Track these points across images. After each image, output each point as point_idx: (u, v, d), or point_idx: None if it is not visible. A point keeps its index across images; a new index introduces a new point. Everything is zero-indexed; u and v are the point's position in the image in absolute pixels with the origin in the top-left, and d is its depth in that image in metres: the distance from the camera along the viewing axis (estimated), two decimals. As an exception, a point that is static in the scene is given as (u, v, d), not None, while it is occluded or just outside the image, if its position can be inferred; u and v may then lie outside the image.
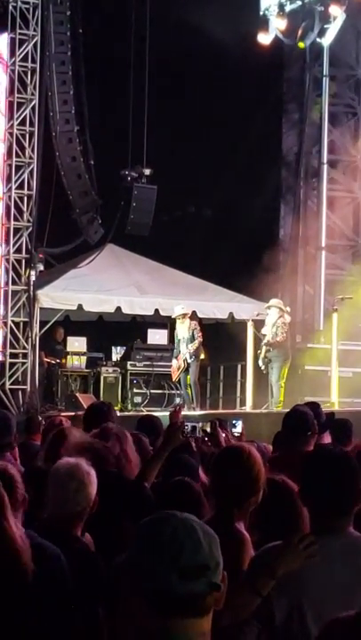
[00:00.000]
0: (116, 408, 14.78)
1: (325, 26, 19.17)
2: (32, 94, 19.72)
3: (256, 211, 21.23)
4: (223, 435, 7.37)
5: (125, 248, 21.51)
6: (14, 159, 19.63)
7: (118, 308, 20.27)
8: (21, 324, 19.53)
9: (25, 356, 19.46)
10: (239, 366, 19.69)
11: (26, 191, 19.65)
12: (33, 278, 19.52)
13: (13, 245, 19.59)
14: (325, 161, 21.63)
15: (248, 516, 4.48)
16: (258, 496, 4.44)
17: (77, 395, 19.16)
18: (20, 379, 19.40)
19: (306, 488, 3.83)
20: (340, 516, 3.70)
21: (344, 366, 16.80)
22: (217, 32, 18.68)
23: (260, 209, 21.51)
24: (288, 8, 19.36)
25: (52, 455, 5.73)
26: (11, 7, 19.61)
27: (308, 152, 21.94)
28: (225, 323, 20.68)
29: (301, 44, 19.51)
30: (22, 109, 19.67)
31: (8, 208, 19.67)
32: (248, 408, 17.22)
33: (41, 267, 19.70)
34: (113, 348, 21.18)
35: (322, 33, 19.34)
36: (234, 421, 8.43)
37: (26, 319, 19.50)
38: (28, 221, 19.64)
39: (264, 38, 19.55)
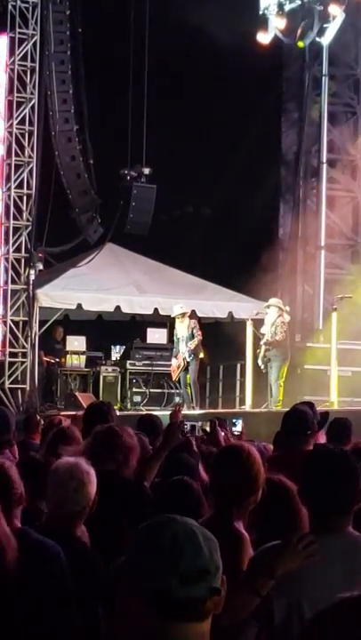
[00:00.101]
0: (115, 407, 14.79)
1: (325, 25, 19.15)
2: (31, 93, 19.73)
3: (255, 210, 21.23)
4: (222, 434, 7.37)
5: (125, 247, 21.51)
6: (14, 158, 19.64)
7: (118, 308, 20.27)
8: (21, 323, 19.53)
9: (24, 355, 19.47)
10: (238, 365, 19.69)
11: (25, 190, 19.66)
12: (32, 277, 19.52)
13: (13, 244, 19.60)
14: (325, 160, 21.62)
15: (247, 515, 4.49)
16: (257, 495, 4.44)
17: (77, 394, 19.16)
18: (19, 378, 19.41)
19: (305, 487, 3.84)
20: (339, 515, 3.70)
21: (343, 365, 16.79)
22: (216, 31, 18.67)
23: (259, 208, 21.52)
24: (287, 7, 19.35)
25: (52, 454, 5.73)
26: (10, 6, 19.61)
27: (308, 151, 21.93)
28: (224, 322, 20.68)
29: (301, 44, 19.50)
30: (22, 109, 19.68)
31: (7, 207, 19.68)
32: (247, 407, 17.23)
33: (40, 266, 19.71)
34: (112, 347, 21.18)
35: (321, 32, 19.32)
36: (234, 420, 8.44)
37: (25, 318, 19.51)
38: (28, 220, 19.64)
39: (263, 38, 19.54)
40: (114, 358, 20.76)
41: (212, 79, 21.25)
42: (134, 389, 19.86)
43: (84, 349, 20.47)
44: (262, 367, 16.56)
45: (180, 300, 18.87)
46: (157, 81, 20.04)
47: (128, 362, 19.99)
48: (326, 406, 15.18)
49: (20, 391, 19.36)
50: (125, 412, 17.84)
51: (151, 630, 2.15)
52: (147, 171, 19.97)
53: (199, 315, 19.64)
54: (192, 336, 17.42)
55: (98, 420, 6.46)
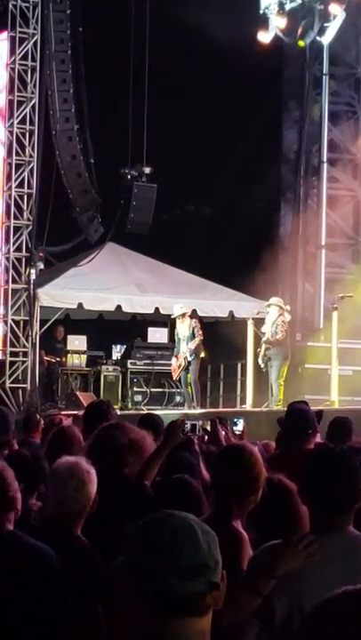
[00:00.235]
0: (116, 407, 14.79)
1: (325, 24, 19.14)
2: (32, 93, 19.73)
3: (256, 209, 21.23)
4: (223, 433, 7.37)
5: (125, 246, 21.51)
6: (14, 158, 19.64)
7: (118, 307, 20.28)
8: (21, 322, 19.54)
9: (25, 354, 19.47)
10: (239, 365, 19.70)
11: (26, 190, 19.66)
12: (33, 277, 19.52)
13: (13, 244, 19.61)
14: (325, 159, 21.62)
15: (246, 514, 4.49)
16: (257, 495, 4.45)
17: (77, 393, 19.16)
18: (20, 377, 19.41)
19: (306, 486, 3.84)
20: (339, 514, 3.70)
21: (344, 364, 16.80)
22: (217, 31, 18.66)
23: (260, 207, 21.51)
24: (288, 7, 19.33)
25: (53, 453, 5.73)
26: (11, 6, 19.61)
27: (308, 150, 21.93)
28: (225, 321, 20.68)
29: (301, 43, 19.50)
30: (22, 108, 19.68)
31: (8, 206, 19.68)
32: (248, 406, 17.23)
33: (41, 265, 19.71)
34: (113, 346, 21.18)
35: (322, 31, 19.31)
36: (235, 420, 8.43)
37: (26, 318, 19.51)
38: (28, 220, 19.65)
39: (264, 37, 19.52)
40: (115, 358, 20.75)
41: (212, 78, 21.24)
42: (135, 389, 19.86)
43: (85, 349, 20.47)
44: (263, 366, 16.56)
45: (181, 299, 18.88)
46: (158, 80, 20.03)
47: (129, 361, 20.00)
48: (327, 405, 15.19)
49: (20, 390, 19.36)
50: (126, 412, 17.84)
51: (151, 627, 2.15)
52: (147, 170, 19.97)
53: (200, 314, 19.63)
54: (193, 336, 17.42)
55: (98, 419, 6.46)
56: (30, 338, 19.43)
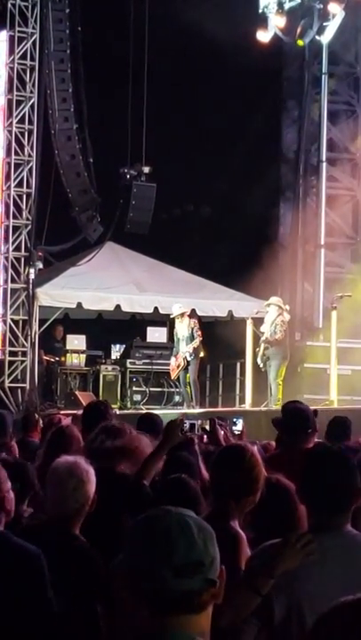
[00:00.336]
0: (115, 406, 14.81)
1: (324, 23, 19.13)
2: (31, 92, 19.73)
3: (255, 208, 21.22)
4: (222, 433, 7.36)
5: (125, 246, 21.51)
6: (13, 157, 19.64)
7: (118, 306, 20.28)
8: (21, 322, 19.53)
9: (24, 354, 19.47)
10: (238, 364, 19.70)
11: (25, 189, 19.66)
12: (32, 276, 19.52)
13: (12, 243, 19.60)
14: (325, 159, 21.61)
15: (243, 514, 4.49)
16: (255, 496, 4.45)
17: (77, 393, 19.16)
18: (19, 377, 19.41)
19: (304, 486, 3.84)
20: (337, 513, 3.69)
21: (343, 364, 16.79)
22: (216, 30, 18.65)
23: (259, 207, 21.51)
24: (287, 6, 19.33)
25: (52, 453, 5.72)
26: (10, 5, 19.61)
27: (308, 150, 21.92)
28: (224, 321, 20.68)
29: (300, 42, 19.48)
30: (21, 107, 19.68)
31: (7, 206, 19.67)
32: (247, 406, 17.22)
33: (40, 265, 19.70)
34: (112, 345, 21.18)
35: (321, 31, 19.30)
36: (234, 419, 8.41)
37: (25, 317, 19.51)
38: (28, 219, 19.64)
39: (263, 36, 19.51)
40: (114, 357, 20.75)
41: (211, 78, 21.23)
42: (134, 388, 19.86)
43: (84, 348, 20.47)
44: (261, 366, 16.55)
45: (180, 298, 18.87)
46: (157, 79, 20.03)
47: (128, 360, 19.99)
48: (326, 405, 15.19)
49: (19, 390, 19.36)
50: (125, 411, 17.84)
51: (150, 624, 2.15)
52: (146, 169, 19.96)
53: (199, 313, 19.63)
54: (192, 335, 17.40)
55: (96, 419, 6.46)
56: (29, 337, 19.42)
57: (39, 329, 19.71)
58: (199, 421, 7.18)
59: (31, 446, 8.44)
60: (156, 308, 20.21)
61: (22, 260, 19.64)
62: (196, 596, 2.15)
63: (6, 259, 19.64)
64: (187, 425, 6.14)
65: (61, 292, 19.85)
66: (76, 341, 20.45)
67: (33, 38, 19.71)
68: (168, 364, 18.45)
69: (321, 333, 19.56)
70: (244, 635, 3.65)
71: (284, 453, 6.44)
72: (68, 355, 20.17)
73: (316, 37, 19.56)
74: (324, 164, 21.62)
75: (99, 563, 4.42)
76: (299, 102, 21.98)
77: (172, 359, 17.94)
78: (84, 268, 20.34)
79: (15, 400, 19.19)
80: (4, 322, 19.52)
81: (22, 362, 19.46)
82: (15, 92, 19.65)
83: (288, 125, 22.33)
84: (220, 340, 19.69)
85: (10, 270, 19.55)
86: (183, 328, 17.59)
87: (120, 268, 21.04)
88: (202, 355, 17.91)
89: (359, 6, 19.13)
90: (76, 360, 20.18)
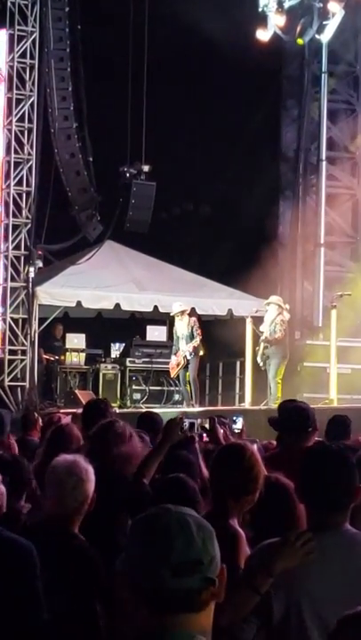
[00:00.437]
0: (114, 405, 14.80)
1: (324, 22, 19.12)
2: (31, 91, 19.72)
3: (255, 207, 21.22)
4: (222, 431, 7.36)
5: (124, 245, 21.50)
6: (13, 156, 19.63)
7: (117, 305, 20.28)
8: (20, 320, 19.53)
9: (24, 352, 19.47)
10: (238, 363, 19.70)
11: (24, 188, 19.65)
12: (32, 275, 19.52)
13: (12, 242, 19.60)
14: (324, 157, 21.61)
15: (243, 513, 4.49)
16: (255, 495, 4.45)
17: (76, 391, 19.15)
18: (18, 375, 19.41)
19: (303, 484, 3.84)
20: (336, 512, 3.69)
21: (343, 363, 16.79)
22: (216, 29, 18.65)
23: (259, 205, 21.50)
24: (287, 4, 19.31)
25: (51, 452, 5.73)
26: (9, 3, 19.60)
27: (307, 148, 21.92)
28: (224, 319, 20.67)
29: (300, 41, 19.47)
30: (21, 106, 19.67)
31: (7, 205, 19.67)
32: (247, 404, 17.21)
33: (40, 263, 19.70)
34: (112, 344, 21.17)
35: (321, 29, 19.28)
36: (234, 418, 8.41)
37: (25, 316, 19.51)
38: (27, 218, 19.63)
39: (263, 35, 19.50)
40: (113, 356, 20.74)
41: (211, 76, 21.23)
42: (134, 387, 19.86)
43: (84, 347, 20.46)
44: (261, 365, 16.54)
45: (180, 297, 18.86)
46: (156, 78, 20.02)
47: (128, 359, 19.98)
48: (326, 404, 15.20)
49: (19, 389, 19.36)
50: (125, 410, 17.83)
51: (149, 624, 2.15)
52: (146, 168, 19.95)
53: (199, 312, 19.63)
54: (192, 335, 17.38)
55: (96, 417, 6.46)
56: (29, 336, 19.42)
57: (39, 327, 19.71)
58: (199, 420, 7.16)
59: (31, 445, 8.44)
60: (155, 307, 20.21)
61: (22, 258, 19.64)
62: (196, 594, 2.15)
63: (6, 257, 19.64)
64: (186, 424, 6.13)
65: (61, 291, 19.84)
66: (76, 340, 20.44)
67: (33, 37, 19.71)
68: (168, 363, 18.44)
69: (321, 332, 19.56)
70: (244, 633, 3.65)
71: (284, 452, 6.44)
72: (67, 353, 20.16)
73: (316, 36, 19.55)
74: (324, 163, 21.62)
75: (98, 562, 4.42)
76: (298, 101, 21.97)
77: (173, 357, 17.93)
78: (84, 267, 20.34)
79: (15, 399, 19.19)
80: (4, 320, 19.52)
81: (22, 360, 19.46)
82: (15, 91, 19.64)
83: (288, 124, 22.33)
84: (219, 338, 19.68)
85: (9, 269, 19.55)
86: (183, 326, 17.58)
87: (120, 267, 21.03)
88: (201, 353, 17.90)
89: (359, 5, 19.13)
90: (75, 359, 20.17)
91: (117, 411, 14.55)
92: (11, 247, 19.59)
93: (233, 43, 18.43)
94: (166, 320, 20.07)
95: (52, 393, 19.95)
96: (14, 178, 19.61)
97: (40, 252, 19.67)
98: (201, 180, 22.24)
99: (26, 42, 19.69)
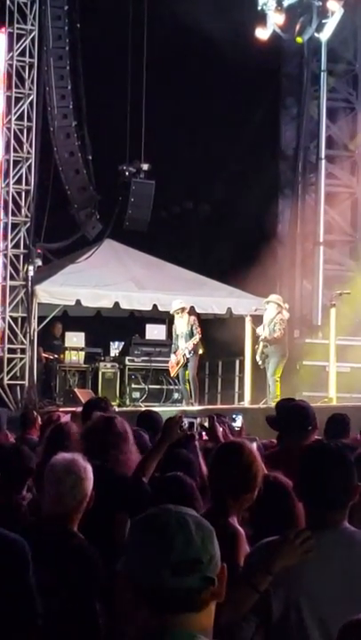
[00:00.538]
0: (114, 403, 14.78)
1: (323, 21, 19.12)
2: (30, 89, 19.70)
3: (254, 206, 21.22)
4: (221, 430, 7.36)
5: (123, 243, 21.50)
6: (12, 154, 19.62)
7: (116, 304, 20.27)
8: (19, 319, 19.53)
9: (23, 351, 19.46)
10: (237, 361, 19.69)
11: (24, 186, 19.64)
12: (31, 273, 19.51)
13: (11, 240, 19.59)
14: (323, 156, 21.61)
15: (242, 511, 4.49)
16: (253, 493, 4.45)
17: (75, 390, 19.15)
18: (18, 374, 19.41)
19: (301, 483, 3.84)
20: (335, 510, 3.69)
21: (342, 361, 16.80)
22: (215, 27, 18.64)
23: (258, 204, 21.50)
24: (286, 3, 19.30)
25: (51, 450, 5.73)
26: (8, 2, 19.58)
27: (307, 147, 21.93)
28: (223, 318, 20.67)
29: (299, 39, 19.47)
30: (20, 104, 19.66)
31: (6, 203, 19.66)
32: (246, 403, 17.21)
33: (39, 262, 19.69)
34: (111, 343, 21.17)
35: (320, 28, 19.28)
36: (234, 416, 8.41)
37: (24, 314, 19.50)
38: (26, 216, 19.62)
39: (262, 33, 19.49)
40: (113, 354, 20.75)
41: (210, 75, 21.22)
42: (133, 385, 19.86)
43: (83, 345, 20.46)
44: (260, 363, 16.54)
45: (179, 295, 18.85)
46: (156, 76, 20.01)
47: (127, 358, 19.99)
48: (325, 402, 15.20)
49: (18, 387, 19.36)
50: (124, 409, 17.82)
51: (150, 624, 2.15)
52: (145, 167, 19.93)
53: (198, 311, 19.63)
54: (192, 333, 17.38)
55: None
56: (28, 335, 19.42)
57: (38, 326, 19.70)
58: (198, 419, 7.16)
59: (30, 443, 8.43)
60: (155, 306, 20.20)
61: (21, 257, 19.63)
62: (196, 594, 2.15)
63: (5, 256, 19.63)
64: (185, 422, 6.13)
65: (60, 290, 19.84)
66: (75, 339, 20.44)
67: (32, 35, 19.69)
68: (167, 362, 18.44)
69: (320, 331, 19.56)
70: (243, 631, 3.65)
71: (283, 451, 6.44)
72: (66, 352, 20.17)
73: (315, 35, 19.55)
74: (323, 162, 21.62)
75: (97, 560, 4.42)
76: (298, 99, 21.98)
77: (172, 356, 17.92)
78: (83, 266, 20.33)
79: (14, 397, 19.19)
80: (3, 319, 19.51)
81: (21, 359, 19.45)
82: (14, 89, 19.63)
83: (287, 123, 22.33)
84: (219, 337, 19.68)
85: (9, 267, 19.55)
86: (182, 324, 17.57)
87: (119, 266, 21.03)
88: (201, 352, 17.90)
89: (358, 3, 19.14)
90: (74, 357, 20.18)
91: (117, 409, 14.54)
92: (10, 246, 19.58)
93: (232, 41, 18.43)
94: (166, 319, 20.07)
95: (51, 391, 19.96)
96: (13, 176, 19.60)
97: (39, 251, 19.66)
98: (200, 178, 22.23)
99: (25, 40, 19.67)
